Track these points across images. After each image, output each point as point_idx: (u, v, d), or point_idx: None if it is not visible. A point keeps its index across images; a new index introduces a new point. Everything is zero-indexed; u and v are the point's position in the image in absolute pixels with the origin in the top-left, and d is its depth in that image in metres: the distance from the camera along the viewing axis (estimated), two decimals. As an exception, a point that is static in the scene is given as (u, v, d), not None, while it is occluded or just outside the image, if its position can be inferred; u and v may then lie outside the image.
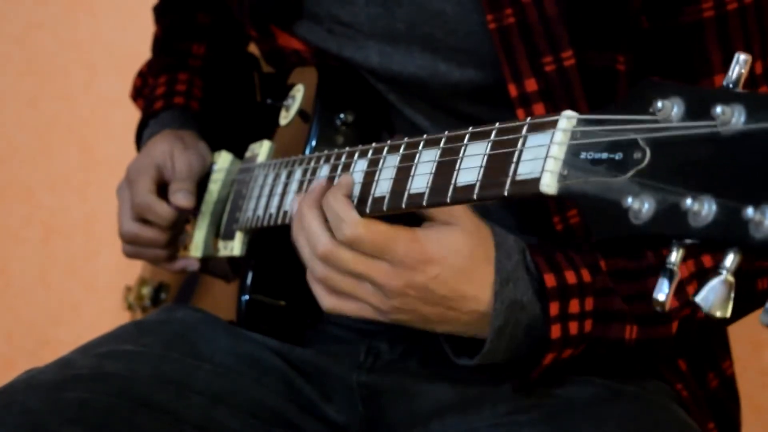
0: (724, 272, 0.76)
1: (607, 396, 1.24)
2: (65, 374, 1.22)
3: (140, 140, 1.62)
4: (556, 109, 1.21)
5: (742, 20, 1.16)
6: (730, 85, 0.78)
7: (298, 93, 1.44)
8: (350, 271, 1.11)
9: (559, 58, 1.20)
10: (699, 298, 0.77)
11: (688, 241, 0.77)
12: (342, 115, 1.37)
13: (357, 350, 1.38)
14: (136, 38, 2.22)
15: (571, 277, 1.16)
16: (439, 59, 1.28)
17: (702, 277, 1.19)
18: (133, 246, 1.51)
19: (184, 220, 1.50)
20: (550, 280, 1.15)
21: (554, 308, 1.14)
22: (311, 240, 1.13)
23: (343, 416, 1.35)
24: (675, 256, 0.79)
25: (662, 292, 0.80)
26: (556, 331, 1.14)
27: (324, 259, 1.12)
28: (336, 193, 1.12)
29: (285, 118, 1.45)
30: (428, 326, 1.16)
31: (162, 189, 1.49)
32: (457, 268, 1.11)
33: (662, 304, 0.80)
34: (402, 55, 1.30)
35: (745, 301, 1.14)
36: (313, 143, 1.36)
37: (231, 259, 1.44)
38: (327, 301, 1.16)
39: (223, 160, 1.53)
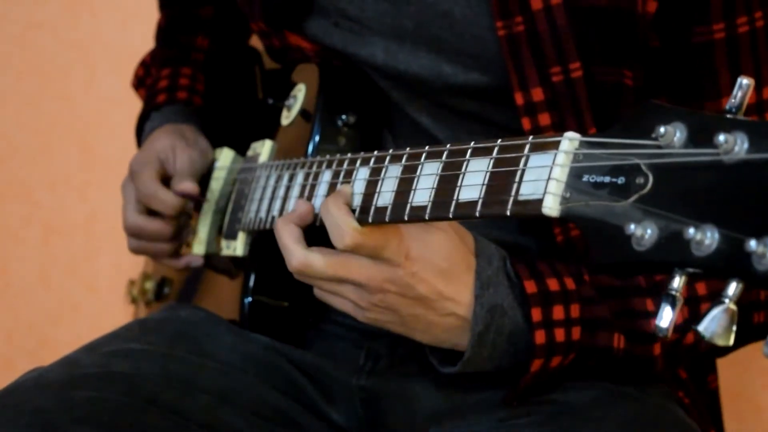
0: (726, 301, 0.76)
1: (608, 398, 1.24)
2: (73, 373, 1.22)
3: (141, 132, 1.62)
4: (562, 120, 1.21)
5: (753, 44, 1.16)
6: (733, 110, 0.78)
7: (300, 93, 1.43)
8: (327, 277, 1.15)
9: (567, 69, 1.19)
10: (701, 327, 0.76)
11: (690, 269, 0.77)
12: (344, 116, 1.37)
13: (357, 353, 1.38)
14: (136, 38, 2.21)
15: (553, 285, 1.17)
16: (444, 61, 1.27)
17: (693, 305, 1.20)
18: (138, 240, 1.51)
19: (188, 212, 1.50)
20: (530, 286, 1.16)
21: (536, 314, 1.15)
22: (285, 254, 1.17)
23: (344, 418, 1.35)
24: (677, 282, 0.79)
25: (664, 318, 0.80)
26: (540, 337, 1.15)
27: (299, 273, 1.16)
28: (337, 200, 1.13)
29: (287, 118, 1.44)
30: (408, 331, 1.18)
31: (165, 183, 1.49)
32: (436, 268, 1.13)
33: (665, 330, 0.80)
34: (407, 54, 1.30)
35: (740, 334, 1.15)
36: (316, 143, 1.36)
37: (233, 258, 1.44)
38: (315, 291, 1.21)
39: (225, 157, 1.53)
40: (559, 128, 1.21)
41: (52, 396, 1.18)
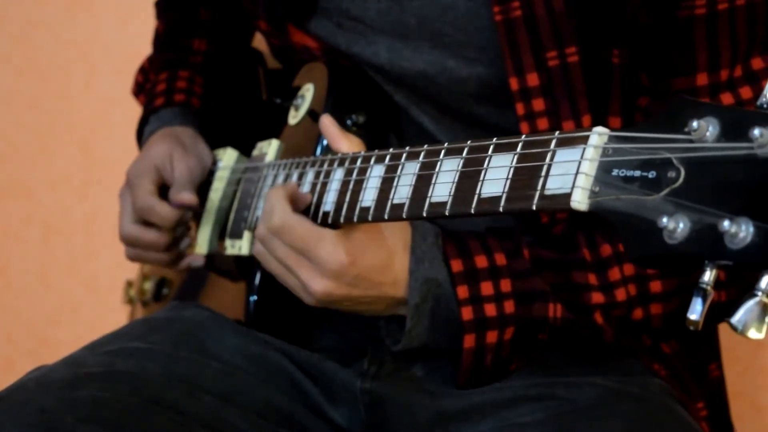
0: (760, 294, 0.77)
1: (610, 397, 1.24)
2: (77, 372, 1.22)
3: (141, 136, 1.62)
4: (556, 106, 1.22)
5: (731, 21, 1.17)
6: (765, 105, 0.79)
7: (308, 92, 1.43)
8: (280, 259, 1.20)
9: (564, 53, 1.20)
10: (734, 320, 0.77)
11: (722, 262, 0.77)
12: (353, 116, 1.37)
13: (361, 357, 1.38)
14: (135, 38, 2.21)
15: (481, 262, 1.21)
16: (447, 55, 1.28)
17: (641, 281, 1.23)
18: (134, 249, 1.51)
19: (186, 222, 1.50)
20: (456, 265, 1.20)
21: (462, 291, 1.20)
22: (271, 212, 1.21)
23: (347, 420, 1.35)
24: (708, 276, 0.80)
25: (695, 312, 0.81)
26: (467, 313, 1.19)
27: (276, 231, 1.20)
28: (279, 189, 1.21)
29: (294, 117, 1.44)
30: (353, 309, 1.23)
31: (162, 191, 1.49)
32: (374, 265, 1.19)
33: (695, 323, 0.81)
34: (411, 51, 1.30)
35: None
36: (325, 144, 1.36)
37: (237, 258, 1.44)
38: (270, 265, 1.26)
39: (229, 157, 1.52)
40: (553, 114, 1.22)
41: (55, 395, 1.18)
